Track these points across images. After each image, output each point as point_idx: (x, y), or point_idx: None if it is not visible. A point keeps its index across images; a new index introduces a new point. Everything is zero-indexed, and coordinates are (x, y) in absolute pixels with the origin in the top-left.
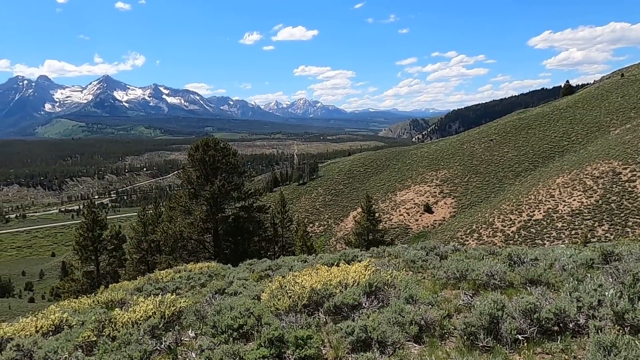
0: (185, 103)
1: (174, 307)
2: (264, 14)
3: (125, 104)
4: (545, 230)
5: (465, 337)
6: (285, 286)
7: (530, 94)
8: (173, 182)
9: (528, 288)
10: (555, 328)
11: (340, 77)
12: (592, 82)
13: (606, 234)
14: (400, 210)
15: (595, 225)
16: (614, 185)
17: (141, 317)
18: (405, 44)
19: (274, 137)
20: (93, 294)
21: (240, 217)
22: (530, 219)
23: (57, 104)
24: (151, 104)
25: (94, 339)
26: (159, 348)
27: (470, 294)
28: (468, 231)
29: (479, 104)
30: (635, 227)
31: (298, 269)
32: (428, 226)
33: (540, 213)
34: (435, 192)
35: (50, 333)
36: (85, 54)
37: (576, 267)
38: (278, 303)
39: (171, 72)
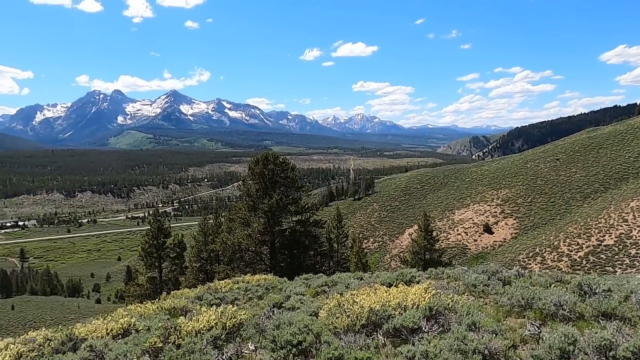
0: (246, 117)
1: (235, 319)
2: (324, 30)
3: (190, 118)
4: (616, 256)
5: None
6: (344, 305)
7: (602, 111)
8: (232, 194)
9: (601, 322)
10: None
11: (399, 93)
12: None
13: None
14: (458, 230)
15: None
16: None
17: (204, 326)
18: (467, 60)
19: (330, 151)
20: (156, 300)
21: (297, 231)
22: (600, 244)
23: (129, 116)
24: (214, 117)
25: (160, 345)
26: (220, 359)
27: (537, 325)
28: (531, 254)
29: (545, 121)
30: None
31: (354, 287)
32: (487, 247)
33: (612, 238)
34: (495, 212)
35: (120, 336)
36: (155, 70)
37: None
38: (336, 321)
39: (234, 87)
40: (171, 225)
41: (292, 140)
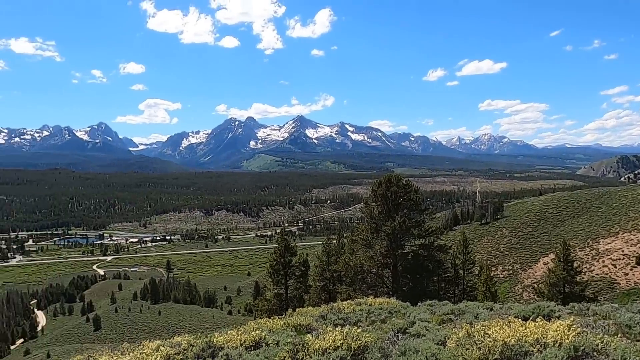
0: (368, 139)
1: (360, 341)
2: (448, 50)
3: (315, 141)
4: None
5: None
6: (474, 336)
7: None
8: (354, 215)
9: None
10: None
11: (531, 111)
12: None
13: None
14: (604, 261)
15: None
16: None
17: (330, 346)
18: (613, 72)
19: (455, 173)
20: (283, 316)
21: (420, 255)
22: None
23: (259, 141)
24: (337, 140)
25: None
26: None
27: None
28: None
29: None
30: None
31: (484, 317)
32: None
33: None
34: None
35: (251, 348)
36: (284, 97)
37: None
38: (466, 353)
39: (356, 111)
40: (296, 244)
41: (414, 162)
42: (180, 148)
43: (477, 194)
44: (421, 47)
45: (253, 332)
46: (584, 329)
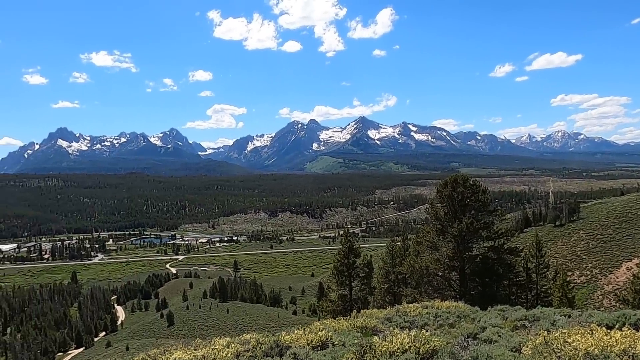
0: (432, 139)
1: (428, 345)
2: (517, 44)
3: (377, 142)
4: None
5: None
6: (552, 344)
7: None
8: (418, 216)
9: None
10: None
11: (611, 105)
12: None
13: None
14: None
15: None
16: None
17: (397, 349)
18: None
19: (525, 173)
20: (348, 317)
21: (489, 258)
22: None
23: (322, 143)
24: (400, 141)
25: None
26: None
27: None
28: None
29: None
30: None
31: (562, 324)
32: None
33: None
34: None
35: (318, 347)
36: (346, 98)
37: None
38: None
39: (419, 110)
40: (360, 245)
41: (481, 162)
42: (246, 151)
43: (551, 194)
44: (487, 42)
45: (319, 332)
46: None
